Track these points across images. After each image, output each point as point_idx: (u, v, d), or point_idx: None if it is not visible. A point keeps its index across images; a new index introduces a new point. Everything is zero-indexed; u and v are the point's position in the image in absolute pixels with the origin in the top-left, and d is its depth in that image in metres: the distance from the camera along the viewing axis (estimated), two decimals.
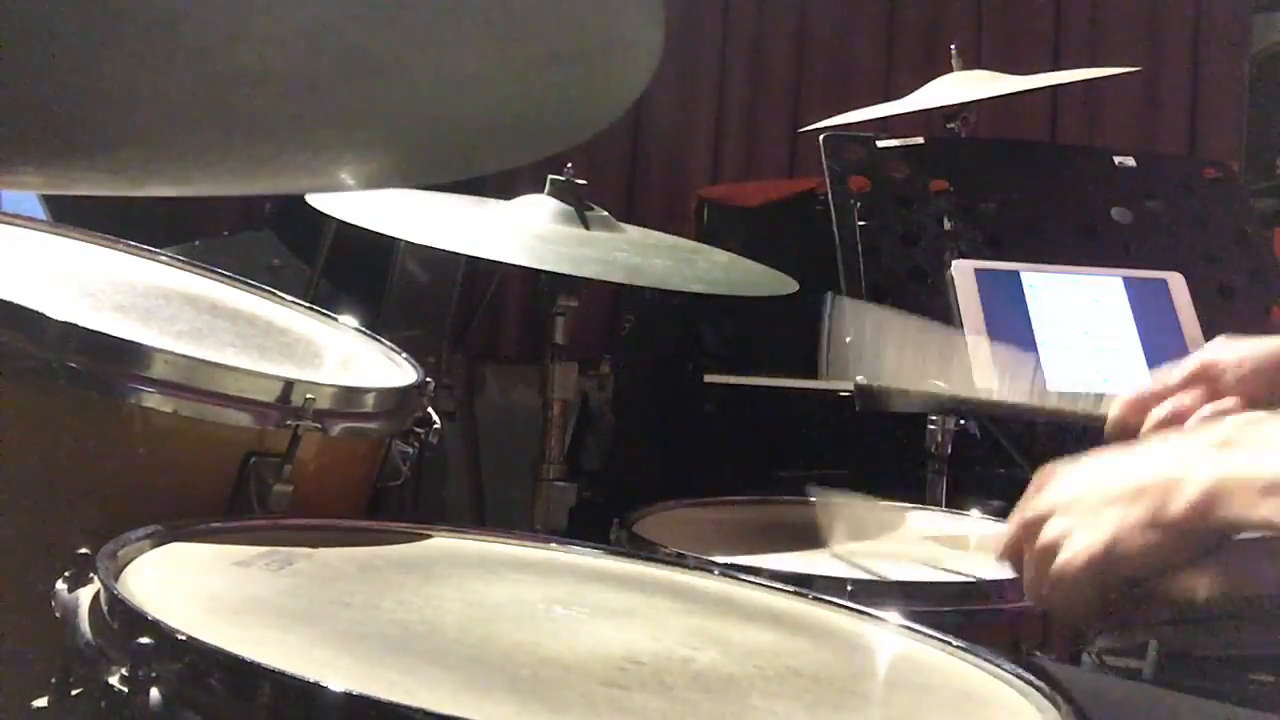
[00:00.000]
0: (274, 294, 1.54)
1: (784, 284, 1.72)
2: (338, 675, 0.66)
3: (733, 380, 3.02)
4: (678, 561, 1.21)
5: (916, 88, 2.23)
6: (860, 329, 1.34)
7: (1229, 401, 1.02)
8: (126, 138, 0.71)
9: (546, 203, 1.64)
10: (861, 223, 1.65)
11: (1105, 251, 1.73)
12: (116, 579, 0.81)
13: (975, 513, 1.72)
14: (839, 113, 2.21)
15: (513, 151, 0.84)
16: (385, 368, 1.42)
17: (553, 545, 1.18)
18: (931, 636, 1.00)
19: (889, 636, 1.03)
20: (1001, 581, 1.23)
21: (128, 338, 1.11)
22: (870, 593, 1.21)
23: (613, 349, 3.44)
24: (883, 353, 1.21)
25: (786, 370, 2.99)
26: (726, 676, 0.84)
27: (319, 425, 1.15)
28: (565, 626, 0.91)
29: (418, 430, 1.33)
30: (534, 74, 0.72)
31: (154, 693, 0.66)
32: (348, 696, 0.64)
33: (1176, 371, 1.05)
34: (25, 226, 1.44)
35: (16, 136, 0.68)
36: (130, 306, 1.27)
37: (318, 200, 1.46)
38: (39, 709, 0.74)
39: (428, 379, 1.37)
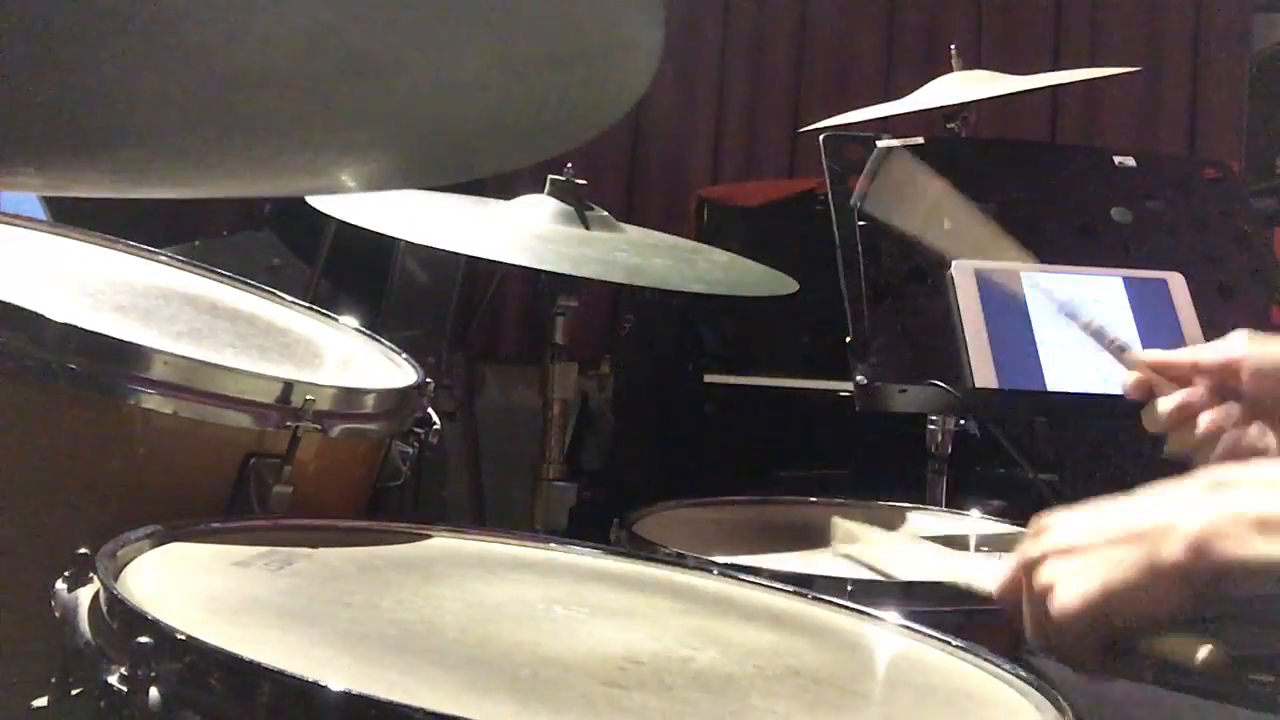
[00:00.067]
0: (274, 294, 1.54)
1: (784, 284, 1.72)
2: (337, 675, 0.66)
3: (733, 380, 3.02)
4: (678, 561, 1.21)
5: (916, 88, 2.23)
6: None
7: (1234, 408, 1.01)
8: (126, 138, 0.71)
9: (546, 203, 1.64)
10: (861, 223, 1.65)
11: (1105, 251, 1.73)
12: (116, 579, 0.82)
13: (975, 513, 1.72)
14: (839, 113, 2.21)
15: (513, 153, 0.84)
16: (385, 368, 1.42)
17: (553, 545, 1.18)
18: (931, 636, 1.00)
19: (889, 636, 1.03)
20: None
21: (128, 338, 1.11)
22: (870, 593, 1.21)
23: (613, 349, 3.44)
24: None
25: (786, 370, 2.99)
26: (726, 676, 0.84)
27: (319, 426, 1.15)
28: (565, 626, 0.91)
29: (418, 430, 1.33)
30: (534, 75, 0.72)
31: (153, 692, 0.66)
32: (347, 696, 0.64)
33: (1199, 355, 1.05)
34: (25, 226, 1.44)
35: (16, 137, 0.68)
36: (130, 306, 1.27)
37: (318, 200, 1.46)
38: (39, 709, 0.74)
39: (428, 379, 1.37)
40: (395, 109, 0.72)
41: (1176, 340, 1.62)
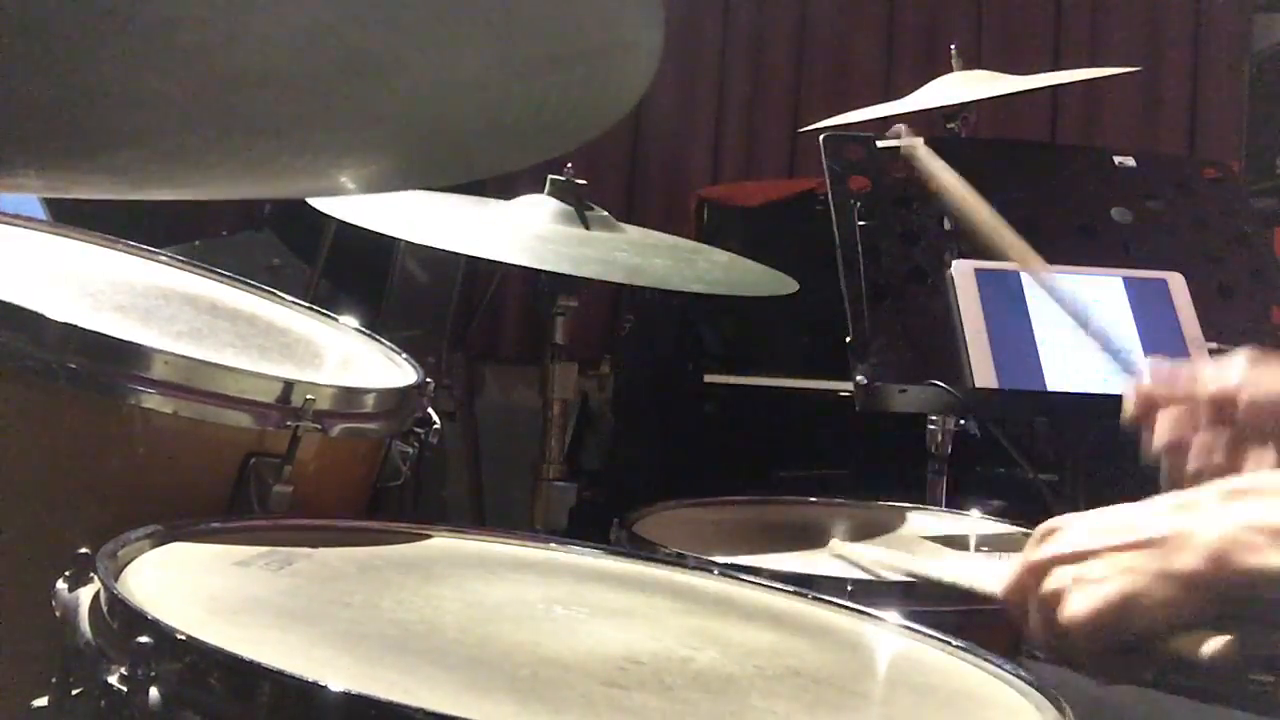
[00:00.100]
0: (274, 294, 1.54)
1: (784, 284, 1.72)
2: (337, 675, 0.66)
3: (733, 380, 3.03)
4: (678, 561, 1.21)
5: (916, 88, 2.23)
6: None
7: (1224, 437, 0.99)
8: (126, 138, 0.71)
9: (546, 203, 1.64)
10: (861, 223, 1.65)
11: (1105, 251, 1.73)
12: (116, 579, 0.82)
13: (975, 513, 1.72)
14: (839, 113, 2.22)
15: (513, 153, 0.84)
16: (385, 368, 1.42)
17: (553, 545, 1.18)
18: (931, 636, 1.00)
19: (889, 636, 1.03)
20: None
21: (128, 338, 1.11)
22: (870, 593, 1.21)
23: (613, 349, 3.44)
24: None
25: (786, 370, 3.00)
26: (726, 676, 0.84)
27: (319, 426, 1.15)
28: (565, 626, 0.91)
29: (418, 430, 1.33)
30: (534, 75, 0.72)
31: (154, 692, 0.66)
32: (347, 696, 0.64)
33: (1196, 381, 1.02)
34: (25, 226, 1.44)
35: (16, 137, 0.68)
36: (130, 306, 1.27)
37: (318, 200, 1.46)
38: (39, 709, 0.74)
39: (428, 379, 1.37)
40: (395, 109, 0.72)
41: (1177, 340, 1.62)
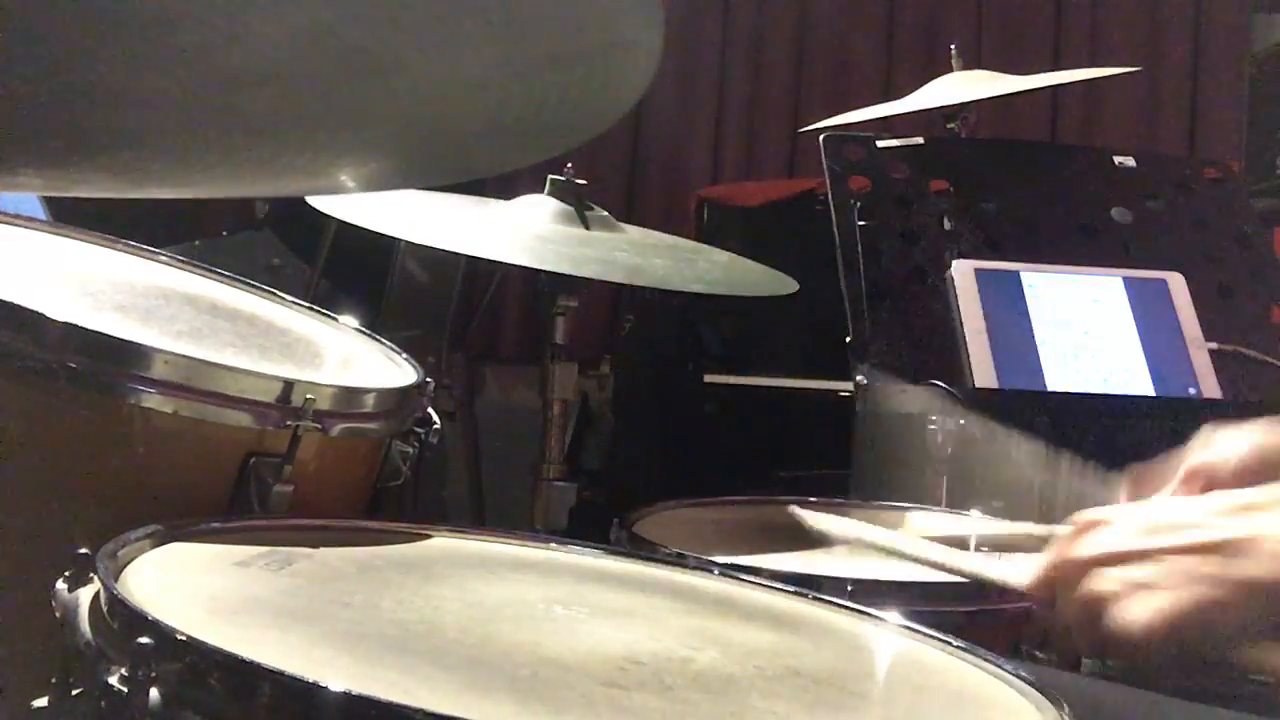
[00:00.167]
0: (274, 294, 1.54)
1: (784, 284, 1.72)
2: (337, 675, 0.66)
3: (733, 380, 3.03)
4: (678, 561, 1.21)
5: (916, 88, 2.23)
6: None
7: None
8: (126, 138, 0.71)
9: (546, 203, 1.64)
10: (861, 223, 1.65)
11: (1105, 251, 1.73)
12: (116, 579, 0.81)
13: (975, 513, 1.72)
14: (839, 113, 2.22)
15: (513, 153, 0.84)
16: (385, 368, 1.42)
17: (553, 545, 1.18)
18: (931, 636, 1.00)
19: (889, 636, 1.03)
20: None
21: (128, 338, 1.11)
22: (870, 593, 1.21)
23: (613, 349, 3.44)
24: None
25: (786, 370, 2.99)
26: (726, 677, 0.84)
27: (319, 425, 1.15)
28: (565, 626, 0.91)
29: (418, 430, 1.33)
30: (535, 76, 0.72)
31: (154, 693, 0.66)
32: (347, 696, 0.64)
33: (1171, 476, 0.95)
34: (25, 226, 1.44)
35: (16, 137, 0.68)
36: (130, 306, 1.27)
37: (318, 200, 1.46)
38: (39, 709, 0.74)
39: (428, 379, 1.37)
40: (396, 109, 0.72)
41: (1177, 340, 1.62)
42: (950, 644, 0.98)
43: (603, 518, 1.46)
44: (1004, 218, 1.73)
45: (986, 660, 0.94)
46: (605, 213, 1.68)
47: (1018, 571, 0.90)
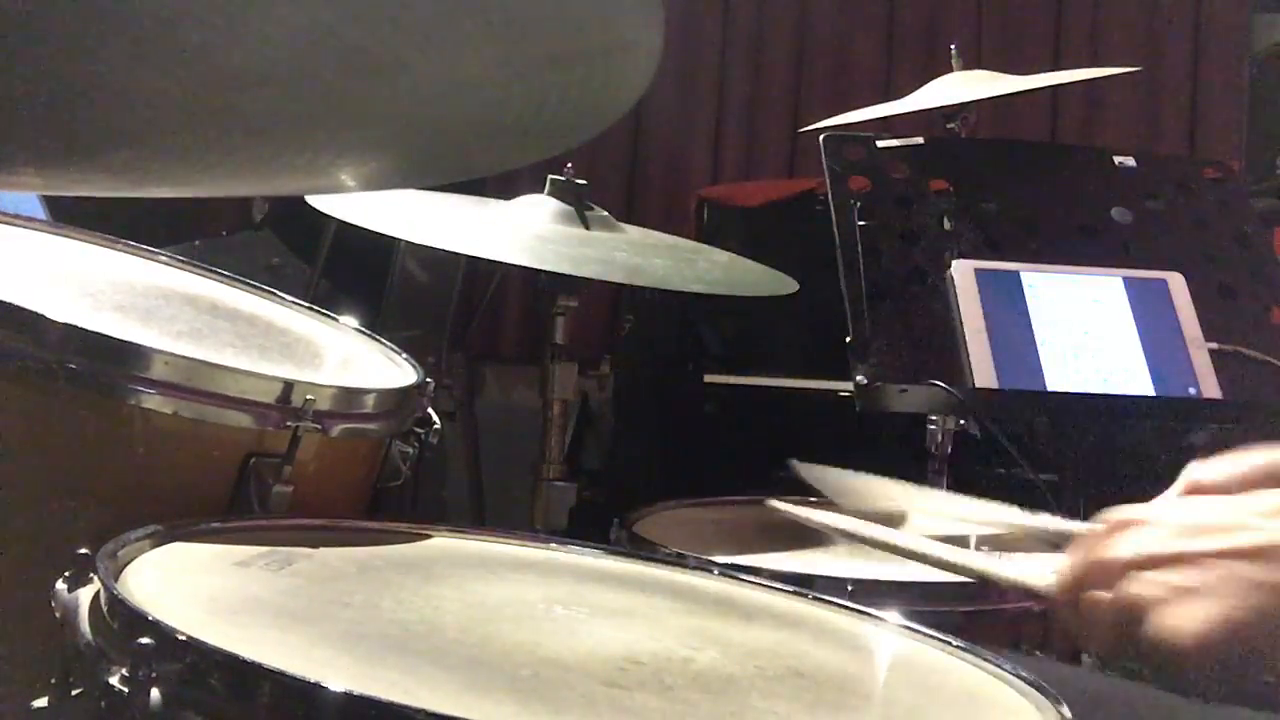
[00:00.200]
0: (274, 294, 1.54)
1: (784, 284, 1.72)
2: (338, 675, 0.66)
3: (733, 380, 3.02)
4: (678, 561, 1.21)
5: (916, 88, 2.23)
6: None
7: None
8: (126, 138, 0.71)
9: (546, 203, 1.64)
10: (861, 223, 1.65)
11: (1105, 251, 1.73)
12: (116, 579, 0.81)
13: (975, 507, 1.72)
14: (839, 113, 2.21)
15: (513, 153, 0.84)
16: (385, 368, 1.42)
17: (553, 545, 1.18)
18: (931, 636, 1.00)
19: (889, 636, 1.03)
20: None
21: (128, 338, 1.11)
22: (870, 593, 1.21)
23: (613, 349, 3.44)
24: None
25: (786, 370, 2.99)
26: (727, 676, 0.84)
27: (319, 426, 1.15)
28: (565, 626, 0.91)
29: (418, 430, 1.33)
30: (534, 75, 0.72)
31: (154, 693, 0.66)
32: (348, 697, 0.64)
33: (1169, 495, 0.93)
34: (25, 226, 1.44)
35: (16, 137, 0.68)
36: (130, 306, 1.27)
37: (318, 200, 1.46)
38: (39, 709, 0.74)
39: (428, 379, 1.37)
40: (395, 109, 0.72)
41: (1177, 340, 1.62)
42: (950, 644, 0.98)
43: (603, 518, 1.46)
44: (1004, 218, 1.73)
45: (986, 660, 0.94)
46: (605, 213, 1.68)
47: (1036, 571, 0.86)
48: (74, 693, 0.72)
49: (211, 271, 1.54)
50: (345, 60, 0.67)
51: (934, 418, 1.92)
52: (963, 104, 2.14)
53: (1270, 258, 1.78)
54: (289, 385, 1.14)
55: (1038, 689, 0.87)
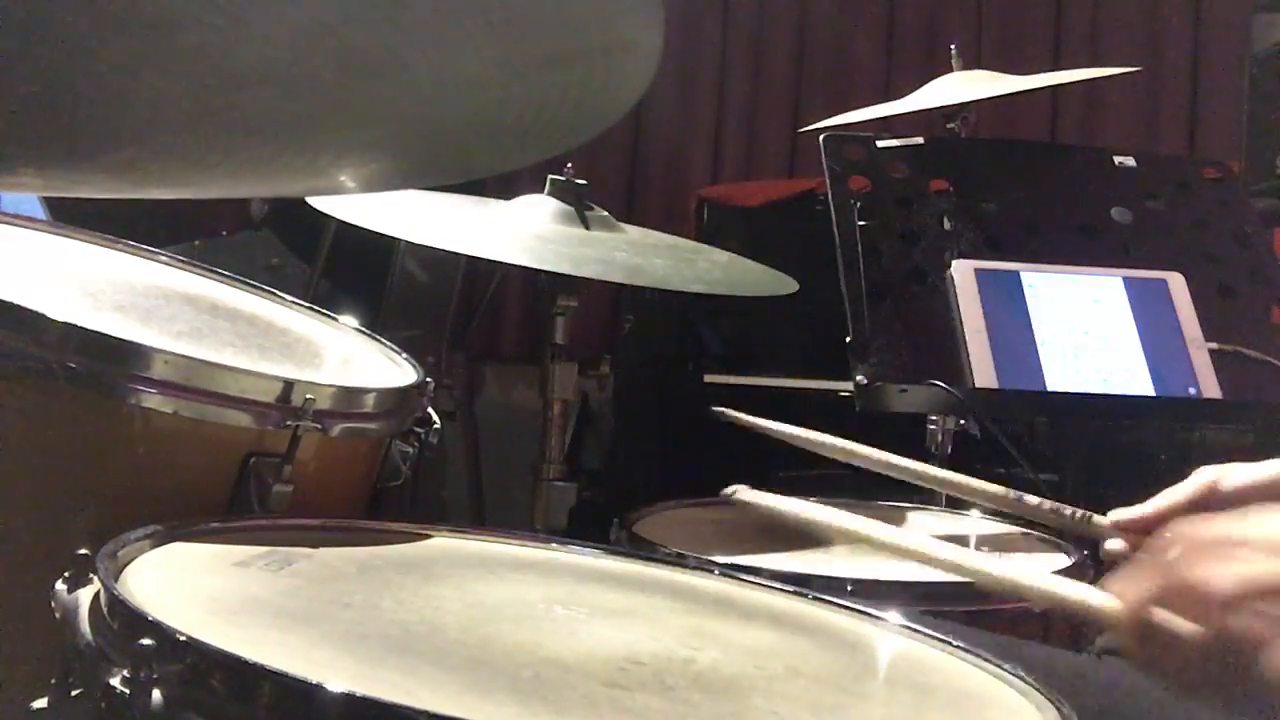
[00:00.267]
0: (274, 294, 1.54)
1: (784, 284, 1.72)
2: (338, 676, 0.66)
3: (733, 380, 3.02)
4: (678, 561, 1.21)
5: (916, 88, 2.23)
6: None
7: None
8: (126, 138, 0.71)
9: (546, 203, 1.64)
10: (861, 223, 1.65)
11: (1105, 251, 1.73)
12: (116, 579, 0.81)
13: (975, 513, 1.72)
14: (839, 113, 2.22)
15: (513, 153, 0.84)
16: (385, 368, 1.42)
17: (553, 545, 1.18)
18: (931, 636, 1.00)
19: (889, 636, 1.03)
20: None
21: (128, 338, 1.11)
22: (870, 593, 1.21)
23: (613, 349, 3.44)
24: None
25: (786, 370, 2.99)
26: (727, 677, 0.84)
27: (319, 425, 1.15)
28: (565, 627, 0.91)
29: (418, 430, 1.33)
30: (534, 76, 0.72)
31: (155, 694, 0.66)
32: (348, 697, 0.64)
33: (1177, 493, 0.93)
34: (25, 226, 1.44)
35: (17, 137, 0.68)
36: (130, 306, 1.27)
37: (318, 200, 1.46)
38: (39, 710, 0.74)
39: (428, 379, 1.37)
40: (395, 109, 0.72)
41: (1177, 340, 1.62)
42: (950, 644, 0.98)
43: (603, 518, 1.46)
44: (1004, 218, 1.73)
45: (986, 660, 0.94)
46: (605, 213, 1.68)
47: (1095, 592, 0.79)
48: (74, 694, 0.72)
49: (211, 271, 1.54)
50: (345, 60, 0.67)
51: (934, 418, 1.92)
52: (963, 104, 2.14)
53: (1270, 258, 1.78)
54: (289, 385, 1.14)
55: (1038, 689, 0.87)
